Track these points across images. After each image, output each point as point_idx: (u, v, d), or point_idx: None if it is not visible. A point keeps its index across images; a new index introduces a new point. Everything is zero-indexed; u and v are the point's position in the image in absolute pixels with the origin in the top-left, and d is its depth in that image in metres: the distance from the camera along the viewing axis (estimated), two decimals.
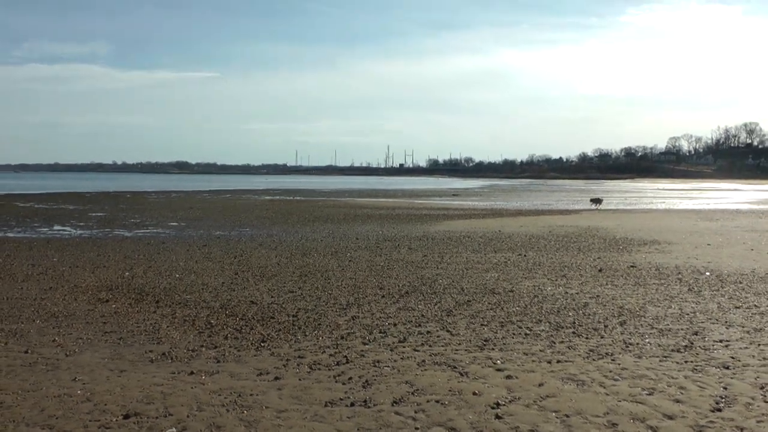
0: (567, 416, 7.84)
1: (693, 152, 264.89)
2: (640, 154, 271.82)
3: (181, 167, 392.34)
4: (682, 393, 8.64)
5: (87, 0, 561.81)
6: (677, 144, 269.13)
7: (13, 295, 15.43)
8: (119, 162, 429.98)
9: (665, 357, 10.33)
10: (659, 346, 10.97)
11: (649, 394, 8.59)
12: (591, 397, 8.47)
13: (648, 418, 7.79)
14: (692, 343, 11.09)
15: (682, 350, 10.70)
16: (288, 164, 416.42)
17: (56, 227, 34.94)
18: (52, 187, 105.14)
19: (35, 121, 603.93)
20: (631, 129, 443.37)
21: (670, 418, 7.80)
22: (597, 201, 56.92)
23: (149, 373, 9.60)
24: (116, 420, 7.77)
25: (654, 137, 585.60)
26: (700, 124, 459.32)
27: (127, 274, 18.63)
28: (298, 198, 73.90)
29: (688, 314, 13.34)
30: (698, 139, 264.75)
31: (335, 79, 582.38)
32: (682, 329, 12.08)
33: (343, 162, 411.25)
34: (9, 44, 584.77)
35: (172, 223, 37.32)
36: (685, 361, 10.08)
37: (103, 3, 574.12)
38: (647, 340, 11.31)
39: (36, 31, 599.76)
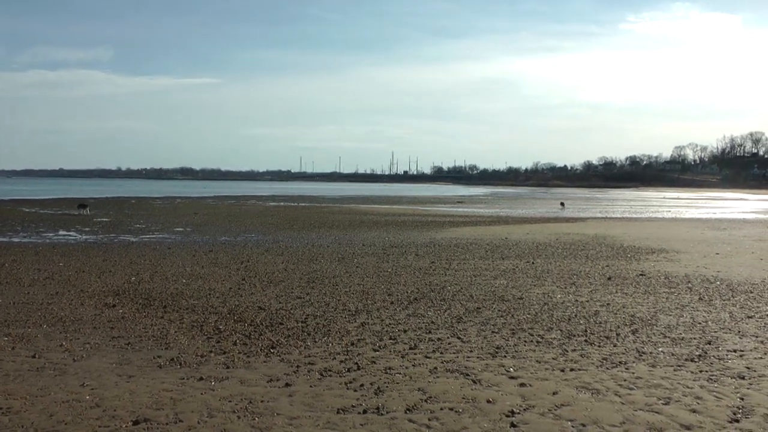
0: (583, 425, 7.72)
1: (698, 161, 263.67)
2: (645, 162, 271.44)
3: (186, 173, 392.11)
4: (698, 403, 8.52)
5: (89, 5, 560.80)
6: (682, 153, 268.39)
7: (19, 300, 15.35)
8: (124, 168, 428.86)
9: (679, 366, 10.21)
10: (673, 355, 10.84)
11: (665, 404, 8.47)
12: (606, 407, 8.35)
13: (665, 428, 7.67)
14: (706, 353, 10.97)
15: (696, 360, 10.57)
16: (292, 170, 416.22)
17: (61, 232, 34.87)
18: (56, 192, 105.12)
19: (39, 127, 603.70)
20: (636, 137, 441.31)
21: (688, 428, 7.68)
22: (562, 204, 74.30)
23: (158, 379, 9.50)
24: (126, 426, 7.67)
25: (659, 146, 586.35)
26: (706, 134, 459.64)
27: (133, 279, 18.55)
28: (303, 204, 73.80)
29: (700, 323, 13.21)
30: (704, 149, 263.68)
31: (338, 85, 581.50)
32: (695, 338, 11.95)
33: (347, 168, 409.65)
34: (13, 50, 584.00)
35: (177, 229, 37.28)
36: (700, 371, 9.96)
37: (106, 8, 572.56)
38: (660, 349, 11.18)
39: (39, 37, 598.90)
